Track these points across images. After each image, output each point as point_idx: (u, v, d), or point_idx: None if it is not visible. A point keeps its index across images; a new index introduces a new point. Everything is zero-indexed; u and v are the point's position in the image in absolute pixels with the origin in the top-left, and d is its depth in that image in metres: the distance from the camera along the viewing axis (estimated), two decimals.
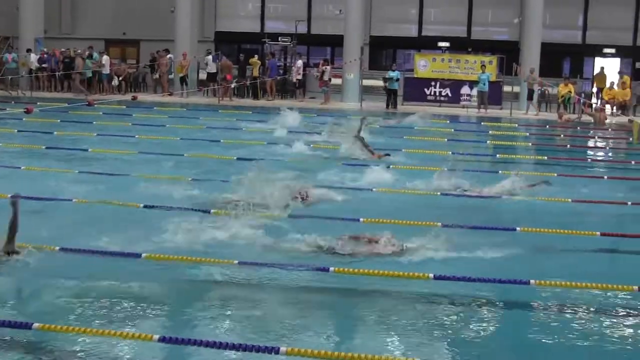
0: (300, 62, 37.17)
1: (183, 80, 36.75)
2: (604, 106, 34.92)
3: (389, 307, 9.01)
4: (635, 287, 9.31)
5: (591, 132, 29.33)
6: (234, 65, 37.35)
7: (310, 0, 44.81)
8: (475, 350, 7.93)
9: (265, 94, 36.71)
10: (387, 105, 34.09)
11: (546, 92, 36.59)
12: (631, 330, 8.61)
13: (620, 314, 9.02)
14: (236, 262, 9.80)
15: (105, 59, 37.04)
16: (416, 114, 28.69)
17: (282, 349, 6.99)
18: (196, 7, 39.96)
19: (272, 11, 45.83)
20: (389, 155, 19.12)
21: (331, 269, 9.60)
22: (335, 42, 39.93)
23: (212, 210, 12.61)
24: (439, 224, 11.90)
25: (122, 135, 22.02)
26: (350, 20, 36.70)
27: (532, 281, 9.41)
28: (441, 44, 42.80)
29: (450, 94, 35.33)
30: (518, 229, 11.96)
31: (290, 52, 39.03)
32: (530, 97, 34.50)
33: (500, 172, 17.50)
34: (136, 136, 21.89)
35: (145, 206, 12.81)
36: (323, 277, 9.61)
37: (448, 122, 29.32)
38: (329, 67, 35.99)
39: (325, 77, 35.46)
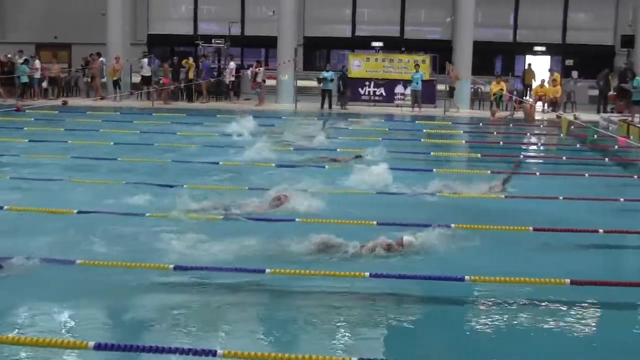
0: (233, 64, 37.09)
1: (116, 83, 36.42)
2: (535, 102, 35.44)
3: (326, 306, 9.02)
4: (568, 281, 9.45)
5: (523, 128, 29.71)
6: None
7: (243, 2, 44.81)
8: (411, 348, 7.98)
9: (200, 96, 36.55)
10: (322, 106, 34.14)
11: (479, 90, 37.02)
12: (564, 324, 8.73)
13: (553, 307, 9.15)
14: (172, 266, 9.73)
15: (37, 63, 36.55)
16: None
17: (219, 351, 6.95)
18: (128, 10, 39.64)
19: (205, 13, 45.73)
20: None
21: (267, 270, 9.58)
22: (269, 44, 39.91)
23: (147, 214, 12.52)
24: (375, 222, 11.99)
25: (54, 140, 21.71)
26: (283, 22, 36.70)
27: (466, 277, 9.50)
28: (375, 43, 43.10)
29: (384, 94, 35.59)
30: (452, 225, 12.06)
31: (223, 54, 38.94)
32: (451, 95, 34.84)
33: (434, 170, 17.66)
34: (69, 141, 21.59)
35: (79, 212, 12.65)
36: (260, 278, 9.59)
37: (383, 121, 29.47)
38: (262, 69, 35.95)
39: (259, 79, 35.41)
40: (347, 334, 8.21)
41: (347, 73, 35.03)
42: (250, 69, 37.11)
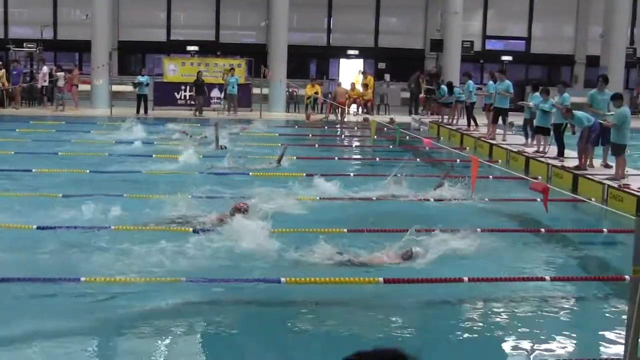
0: (46, 68, 36.07)
1: None
2: (349, 105, 36.23)
3: (110, 313, 9.02)
4: (381, 280, 9.80)
5: (337, 131, 30.37)
6: None
7: (55, 5, 43.74)
8: (222, 350, 8.11)
9: (12, 102, 35.40)
10: (138, 111, 33.68)
11: (294, 93, 37.43)
12: (377, 319, 9.07)
13: (367, 304, 9.48)
14: None
15: None
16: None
17: None
18: None
19: (17, 16, 44.42)
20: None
21: (82, 278, 9.47)
22: (84, 48, 39.07)
23: None
24: (190, 229, 12.07)
25: None
26: (96, 25, 35.89)
27: (282, 279, 9.70)
28: (190, 47, 42.88)
29: None
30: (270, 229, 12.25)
31: (36, 58, 37.88)
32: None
33: (250, 174, 17.82)
34: None
35: None
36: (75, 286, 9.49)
37: (199, 125, 29.36)
38: (62, 74, 34.96)
39: (60, 84, 34.46)
40: (137, 339, 8.30)
41: (202, 79, 34.36)
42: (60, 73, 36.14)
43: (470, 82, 28.49)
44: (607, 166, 19.19)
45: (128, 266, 10.21)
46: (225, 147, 22.01)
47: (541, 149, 21.52)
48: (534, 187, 11.97)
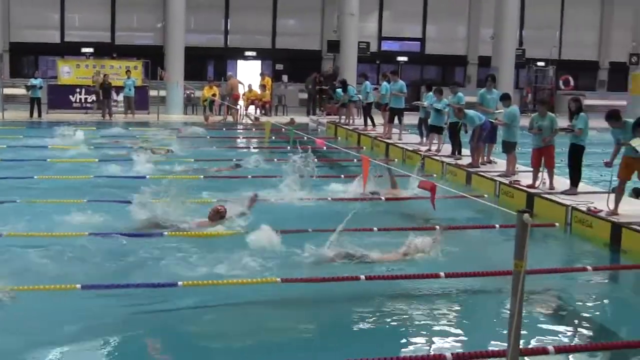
0: None
1: None
2: (247, 107, 36.33)
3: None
4: (279, 279, 9.86)
5: (234, 132, 30.36)
6: None
7: None
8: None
9: None
10: (31, 115, 33.05)
11: (191, 95, 37.29)
12: (275, 319, 9.13)
13: (264, 304, 9.56)
14: None
15: None
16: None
17: None
18: None
19: None
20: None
21: None
22: None
23: None
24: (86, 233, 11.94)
25: None
26: None
27: (180, 283, 9.68)
28: (85, 49, 42.24)
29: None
30: (165, 233, 12.20)
31: None
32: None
33: (147, 177, 17.66)
34: None
35: None
36: None
37: (95, 129, 28.96)
38: None
39: None
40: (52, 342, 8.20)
41: (109, 82, 33.56)
42: None
43: (367, 82, 28.84)
44: (490, 162, 19.86)
45: (21, 273, 10.04)
46: (172, 151, 22.69)
47: (435, 148, 21.96)
48: (422, 185, 12.13)
